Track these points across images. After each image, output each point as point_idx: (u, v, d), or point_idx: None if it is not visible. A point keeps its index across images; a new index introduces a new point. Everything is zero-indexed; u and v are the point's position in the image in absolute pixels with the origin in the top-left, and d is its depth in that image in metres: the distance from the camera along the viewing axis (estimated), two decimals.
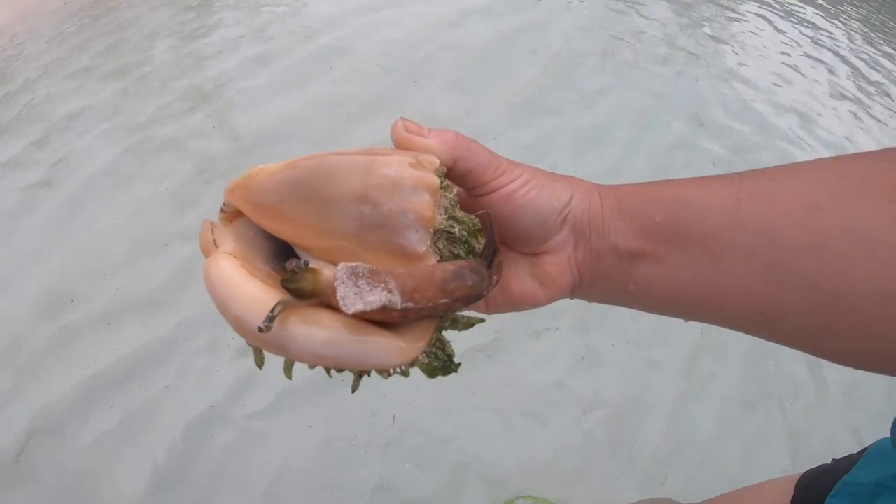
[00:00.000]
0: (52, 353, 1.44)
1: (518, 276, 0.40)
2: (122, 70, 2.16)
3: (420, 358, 0.33)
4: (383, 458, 1.33)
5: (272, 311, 0.29)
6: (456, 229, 0.34)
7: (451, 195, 0.34)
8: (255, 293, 0.31)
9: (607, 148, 2.09)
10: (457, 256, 0.34)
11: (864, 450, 0.60)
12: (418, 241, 0.32)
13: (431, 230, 0.32)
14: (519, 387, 1.47)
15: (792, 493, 0.63)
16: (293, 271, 0.29)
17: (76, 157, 1.86)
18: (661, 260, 0.36)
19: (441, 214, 0.33)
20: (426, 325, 0.33)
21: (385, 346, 0.31)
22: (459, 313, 0.36)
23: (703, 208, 0.34)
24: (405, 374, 0.33)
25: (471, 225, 0.34)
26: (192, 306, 1.53)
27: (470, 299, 0.31)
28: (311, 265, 0.31)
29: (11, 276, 1.59)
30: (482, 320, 0.36)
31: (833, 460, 0.65)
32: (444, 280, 0.30)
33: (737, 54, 2.82)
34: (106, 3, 2.60)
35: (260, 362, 0.34)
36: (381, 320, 0.30)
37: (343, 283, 0.27)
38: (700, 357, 1.57)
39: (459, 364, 0.35)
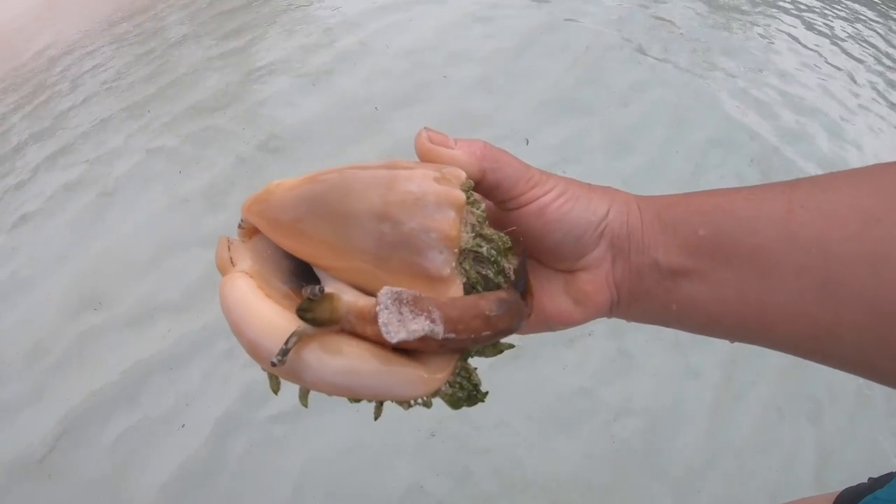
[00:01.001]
0: (77, 354, 1.46)
1: (552, 294, 0.37)
2: (152, 74, 2.19)
3: (443, 388, 0.31)
4: (411, 464, 1.31)
5: (286, 343, 0.28)
6: (484, 248, 0.31)
7: (478, 211, 0.31)
8: (271, 317, 0.30)
9: (641, 147, 2.04)
10: (485, 278, 0.32)
11: None
12: (442, 263, 0.29)
13: (457, 250, 0.30)
14: (550, 394, 1.44)
15: None
16: (309, 299, 0.28)
17: (104, 160, 1.88)
18: (706, 277, 0.33)
19: (467, 233, 0.31)
20: (451, 353, 0.30)
21: (406, 376, 0.29)
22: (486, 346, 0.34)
23: (750, 220, 0.31)
24: (427, 404, 0.31)
25: (500, 243, 0.32)
26: (216, 310, 1.52)
27: (510, 331, 0.30)
28: (330, 288, 0.29)
29: (39, 277, 1.61)
30: (512, 346, 0.33)
31: (870, 479, 0.61)
32: (488, 311, 0.28)
33: (772, 50, 2.74)
34: (139, 9, 2.63)
35: (276, 388, 0.32)
36: (413, 349, 0.29)
37: (386, 308, 0.26)
38: (738, 362, 1.52)
39: (486, 393, 0.32)
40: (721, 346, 1.53)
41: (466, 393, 0.32)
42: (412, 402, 0.30)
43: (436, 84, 2.17)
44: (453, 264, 0.30)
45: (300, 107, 2.05)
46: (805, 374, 1.52)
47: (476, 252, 0.31)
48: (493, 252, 0.31)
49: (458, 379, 0.31)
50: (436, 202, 0.29)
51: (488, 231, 0.31)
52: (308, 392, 0.32)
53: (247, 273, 0.33)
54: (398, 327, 0.26)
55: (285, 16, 2.49)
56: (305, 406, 0.33)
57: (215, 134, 1.95)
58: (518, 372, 1.45)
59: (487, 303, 0.29)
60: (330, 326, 0.29)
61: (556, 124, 2.07)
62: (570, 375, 1.46)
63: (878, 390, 1.53)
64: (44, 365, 1.45)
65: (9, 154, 1.97)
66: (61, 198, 1.78)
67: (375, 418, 0.34)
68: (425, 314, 0.27)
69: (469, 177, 0.32)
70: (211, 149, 1.91)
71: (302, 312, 0.28)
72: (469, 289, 0.31)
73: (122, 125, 1.99)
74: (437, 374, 0.30)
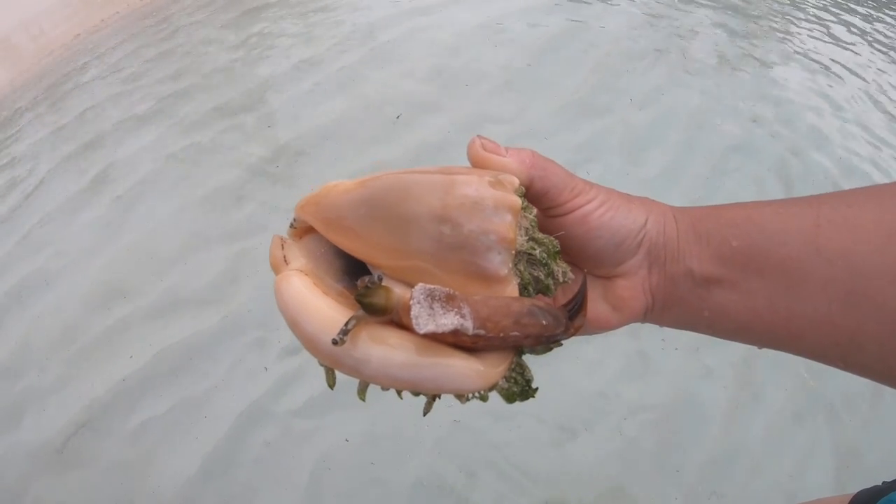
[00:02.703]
0: (102, 346, 1.49)
1: (590, 300, 0.38)
2: (173, 75, 2.23)
3: (500, 383, 0.32)
4: (427, 457, 1.32)
5: (346, 324, 0.29)
6: (537, 251, 0.33)
7: (531, 216, 0.33)
8: (329, 311, 0.31)
9: (659, 149, 2.04)
10: (536, 279, 0.33)
11: None
12: (500, 264, 0.31)
13: (513, 252, 0.31)
14: (567, 392, 1.44)
15: None
16: (367, 286, 0.29)
17: (130, 157, 1.92)
18: (737, 286, 0.35)
19: (522, 236, 0.32)
20: (506, 350, 0.32)
21: (464, 369, 0.30)
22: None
23: (780, 233, 0.33)
24: (484, 398, 0.32)
25: (551, 247, 0.33)
26: (241, 303, 1.56)
27: (541, 339, 0.31)
28: (384, 283, 0.30)
29: (66, 271, 1.64)
30: (560, 344, 0.35)
31: (884, 482, 0.62)
32: (519, 313, 0.30)
33: (792, 57, 2.73)
34: (158, 11, 2.68)
35: (332, 382, 0.34)
36: (453, 343, 0.30)
37: (419, 302, 0.28)
38: (754, 363, 1.52)
39: (537, 389, 0.34)
40: (736, 348, 1.52)
41: (520, 388, 0.33)
42: (470, 395, 0.31)
43: (458, 87, 2.19)
44: (510, 265, 0.31)
45: (324, 108, 2.08)
46: (821, 377, 1.51)
47: (530, 254, 0.33)
48: (545, 255, 0.33)
49: (514, 374, 0.33)
50: (494, 206, 0.31)
51: (540, 235, 0.33)
52: (367, 386, 0.33)
53: (301, 271, 0.34)
54: (427, 320, 0.27)
55: (310, 17, 2.53)
56: (363, 400, 0.33)
57: (240, 133, 1.99)
58: (537, 370, 1.45)
59: (520, 306, 0.30)
60: (384, 315, 0.30)
61: (577, 127, 2.09)
62: (587, 374, 1.47)
63: (891, 394, 1.52)
64: (70, 354, 1.48)
65: (33, 149, 2.01)
66: (88, 194, 1.82)
67: (425, 413, 0.35)
68: (455, 310, 0.28)
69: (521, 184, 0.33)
70: (235, 148, 1.94)
71: (361, 297, 0.29)
72: (521, 289, 0.33)
73: (146, 123, 2.03)
74: (495, 368, 0.31)
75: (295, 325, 0.31)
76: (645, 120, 2.15)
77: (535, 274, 0.33)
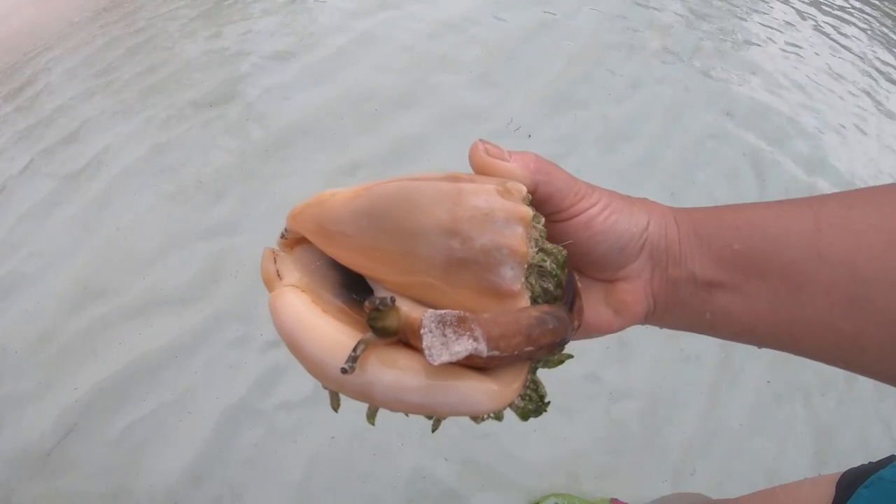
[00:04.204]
0: (82, 347, 1.46)
1: (592, 303, 0.38)
2: (149, 68, 2.18)
3: (516, 401, 0.31)
4: (419, 449, 1.33)
5: (354, 350, 0.28)
6: (547, 263, 0.32)
7: (539, 226, 0.32)
8: (333, 332, 0.29)
9: (636, 141, 2.06)
10: (546, 290, 0.32)
11: None
12: (513, 279, 0.30)
13: (526, 265, 0.30)
14: (551, 379, 1.45)
15: (833, 493, 0.61)
16: (377, 308, 0.28)
17: (105, 152, 1.88)
18: (739, 289, 0.35)
19: (532, 248, 0.31)
20: (519, 366, 0.31)
21: (479, 391, 0.29)
22: (549, 359, 0.34)
23: (782, 237, 0.34)
24: (499, 417, 0.31)
25: (559, 257, 0.33)
26: (222, 300, 1.54)
27: (554, 347, 0.30)
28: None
29: (42, 270, 1.61)
30: (571, 356, 0.34)
31: (871, 462, 0.64)
32: (529, 327, 0.28)
33: (767, 47, 2.77)
34: (129, 2, 2.63)
35: (336, 405, 0.32)
36: (465, 364, 0.29)
37: (430, 331, 0.26)
38: (731, 347, 1.55)
39: (549, 403, 0.33)
40: None
41: (535, 405, 0.32)
42: (485, 416, 0.30)
43: (436, 79, 2.18)
44: (522, 280, 0.30)
45: (301, 101, 2.05)
46: (797, 360, 1.55)
47: (540, 266, 0.31)
48: (555, 266, 0.32)
49: (528, 392, 0.32)
50: (505, 218, 0.29)
51: (549, 245, 0.32)
52: (377, 411, 0.31)
53: (297, 287, 0.32)
54: (441, 350, 0.26)
55: (285, 9, 2.49)
56: (373, 424, 0.31)
57: (216, 128, 1.96)
58: None
59: (528, 319, 0.29)
60: (394, 337, 0.28)
61: (554, 119, 2.10)
62: (571, 361, 1.49)
63: (865, 378, 1.56)
64: (49, 358, 1.45)
65: (2, 149, 1.96)
66: (62, 192, 1.78)
67: (434, 430, 0.35)
68: (468, 333, 0.26)
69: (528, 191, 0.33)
70: (212, 143, 1.91)
71: (373, 321, 0.27)
72: (532, 302, 0.31)
73: (120, 119, 1.99)
74: (509, 386, 0.30)
75: (296, 349, 0.30)
76: (621, 112, 2.17)
77: (545, 286, 0.32)
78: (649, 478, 1.35)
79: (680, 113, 2.22)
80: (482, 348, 0.26)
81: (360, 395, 0.29)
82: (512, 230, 0.30)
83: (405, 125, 1.99)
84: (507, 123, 2.02)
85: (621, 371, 1.49)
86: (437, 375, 0.28)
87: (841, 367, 0.35)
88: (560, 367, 0.34)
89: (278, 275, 0.33)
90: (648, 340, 1.54)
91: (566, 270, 0.33)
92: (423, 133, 1.98)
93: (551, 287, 0.32)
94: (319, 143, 1.92)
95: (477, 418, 0.30)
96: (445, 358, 0.26)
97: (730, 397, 1.49)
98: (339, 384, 0.29)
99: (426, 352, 0.26)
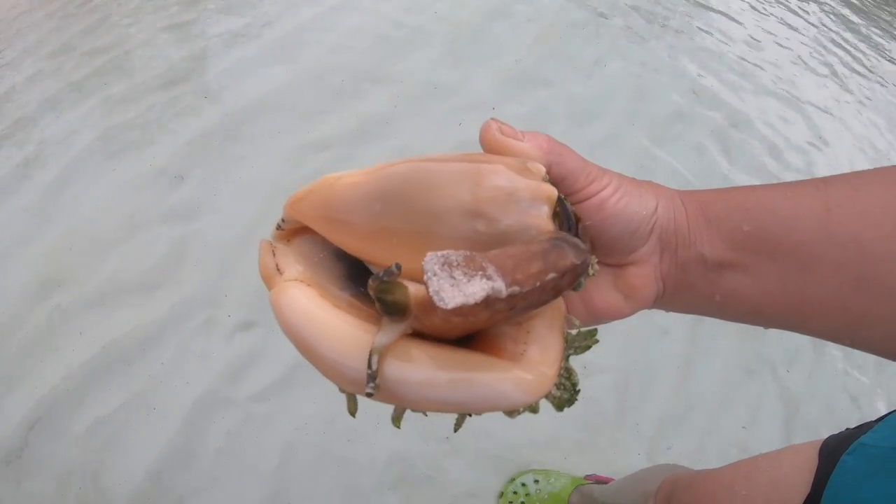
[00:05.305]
0: (44, 340, 1.40)
1: (601, 288, 0.38)
2: (103, 48, 2.09)
3: (552, 391, 0.29)
4: (395, 432, 1.32)
5: (369, 367, 0.25)
6: None
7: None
8: (347, 329, 0.27)
9: (603, 118, 2.07)
10: None
11: (883, 417, 0.61)
12: None
13: None
14: None
15: (816, 459, 0.63)
16: (382, 280, 0.24)
17: (58, 139, 1.80)
18: (749, 270, 0.35)
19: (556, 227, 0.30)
20: (551, 353, 0.29)
21: (514, 382, 0.26)
22: (579, 344, 0.33)
23: (791, 218, 0.34)
24: (535, 410, 0.29)
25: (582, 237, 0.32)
26: (187, 286, 1.50)
27: (577, 272, 0.27)
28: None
29: None
30: (597, 341, 0.33)
31: (848, 429, 0.66)
32: (543, 252, 0.25)
33: (733, 26, 2.80)
34: None
35: (354, 409, 0.30)
36: (486, 322, 0.25)
37: (435, 275, 0.23)
38: (702, 322, 1.57)
39: (580, 391, 0.32)
40: None
41: (569, 394, 0.31)
42: (521, 410, 0.28)
43: (402, 56, 2.15)
44: None
45: (263, 78, 1.99)
46: (766, 333, 1.59)
47: None
48: None
49: (562, 380, 0.30)
50: (530, 197, 0.28)
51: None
52: (403, 413, 0.29)
53: (301, 281, 0.29)
54: (453, 292, 0.22)
55: None
56: (398, 427, 0.30)
57: (175, 107, 1.89)
58: None
59: (540, 244, 0.26)
60: (405, 316, 0.25)
61: (522, 96, 2.09)
62: None
63: (832, 350, 1.62)
64: (8, 353, 1.38)
65: None
66: (16, 180, 1.69)
67: (456, 430, 0.32)
68: (480, 272, 0.23)
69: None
70: (171, 123, 1.84)
71: (380, 293, 0.25)
72: None
73: (74, 102, 1.90)
74: (545, 375, 0.28)
75: (308, 351, 0.27)
76: (588, 90, 2.18)
77: None
78: (624, 452, 1.37)
79: (646, 91, 2.23)
80: (500, 286, 0.23)
81: (386, 397, 0.26)
82: (538, 209, 0.28)
83: (371, 103, 1.96)
84: (480, 106, 2.00)
85: (596, 348, 1.50)
86: (471, 368, 0.26)
87: (847, 345, 0.35)
88: None
89: (278, 269, 0.30)
90: (613, 320, 1.55)
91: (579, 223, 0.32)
92: (389, 110, 1.95)
93: None
94: (284, 122, 1.87)
95: (513, 412, 0.28)
96: (460, 300, 0.22)
97: (702, 371, 1.52)
98: (359, 387, 0.27)
99: (435, 297, 0.22)
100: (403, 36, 2.23)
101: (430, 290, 0.22)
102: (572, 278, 0.26)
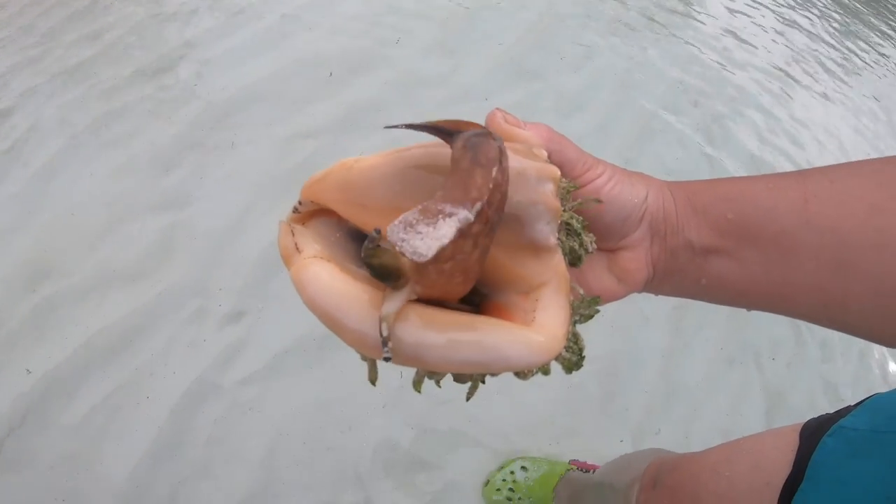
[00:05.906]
0: (30, 331, 1.39)
1: (596, 271, 0.40)
2: (89, 36, 2.06)
3: (563, 353, 0.31)
4: (381, 418, 1.33)
5: (381, 333, 0.26)
6: (573, 221, 0.33)
7: (564, 185, 0.33)
8: (366, 297, 0.27)
9: (590, 110, 2.09)
10: (572, 249, 0.33)
11: (862, 401, 0.63)
12: (549, 233, 0.30)
13: (559, 221, 0.31)
14: None
15: (797, 441, 0.64)
16: (366, 247, 0.25)
17: (44, 126, 1.78)
18: (733, 255, 0.38)
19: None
20: (560, 317, 0.30)
21: (527, 341, 0.27)
22: (584, 311, 0.34)
23: (772, 208, 0.36)
24: (546, 371, 0.31)
25: (581, 219, 0.34)
26: (176, 275, 1.50)
27: (504, 150, 0.26)
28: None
29: None
30: (598, 310, 0.35)
31: (828, 413, 0.67)
32: (473, 159, 0.25)
33: (720, 18, 2.82)
34: None
35: (374, 377, 0.31)
36: (479, 261, 0.26)
37: (402, 240, 0.23)
38: (686, 310, 1.60)
39: (585, 357, 0.33)
40: None
41: (577, 357, 0.33)
42: (535, 370, 0.30)
43: (390, 46, 2.15)
44: (556, 234, 0.31)
45: (251, 67, 1.99)
46: (749, 323, 1.61)
47: (568, 224, 0.33)
48: (579, 226, 0.33)
49: (570, 343, 0.32)
50: (537, 176, 0.30)
51: (573, 205, 0.34)
52: (424, 377, 0.30)
53: (320, 258, 0.30)
54: (427, 243, 0.23)
55: None
56: (419, 392, 0.31)
57: (163, 96, 1.88)
58: None
59: (462, 157, 0.26)
60: (398, 280, 0.26)
61: (510, 87, 2.10)
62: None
63: (813, 341, 1.65)
64: None
65: None
66: (2, 169, 1.67)
67: (468, 398, 0.35)
68: (440, 215, 0.24)
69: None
70: (159, 111, 1.83)
71: (368, 258, 0.25)
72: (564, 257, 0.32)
73: (60, 89, 1.88)
74: (555, 337, 0.29)
75: (334, 323, 0.27)
76: (576, 82, 2.19)
77: (571, 244, 0.33)
78: (610, 438, 1.39)
79: (634, 83, 2.25)
80: (465, 214, 0.23)
81: (409, 360, 0.27)
82: (544, 187, 0.30)
83: (360, 91, 1.96)
84: (469, 97, 2.00)
85: (580, 333, 1.52)
86: (487, 331, 0.27)
87: (826, 326, 0.38)
88: None
89: (297, 248, 0.31)
90: (607, 304, 1.57)
91: (588, 233, 0.34)
92: (378, 99, 1.95)
93: (576, 246, 0.33)
94: (273, 110, 1.86)
95: (526, 374, 0.30)
96: (436, 245, 0.22)
97: (687, 359, 1.54)
98: (378, 352, 0.27)
99: (414, 257, 0.23)
100: (393, 26, 2.23)
101: (407, 254, 0.23)
102: (506, 158, 0.26)
